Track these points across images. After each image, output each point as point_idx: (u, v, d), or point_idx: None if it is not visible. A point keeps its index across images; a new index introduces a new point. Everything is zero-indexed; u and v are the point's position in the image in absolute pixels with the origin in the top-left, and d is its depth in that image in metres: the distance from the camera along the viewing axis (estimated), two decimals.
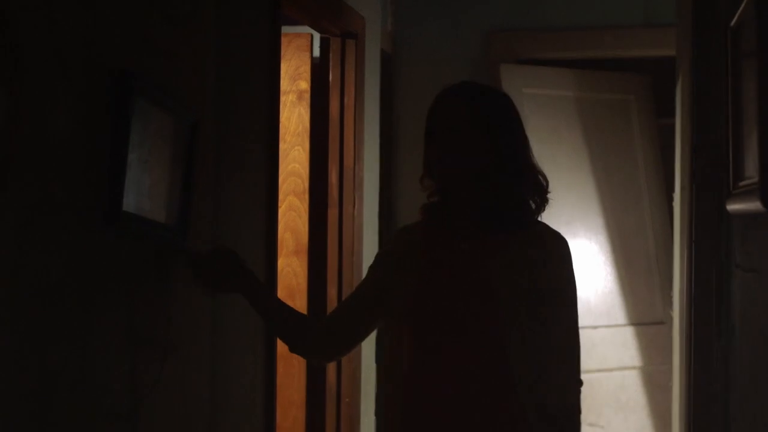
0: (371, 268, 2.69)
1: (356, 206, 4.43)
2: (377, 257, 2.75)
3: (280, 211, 4.16)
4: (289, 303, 4.51)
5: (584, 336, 4.94)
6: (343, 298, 2.81)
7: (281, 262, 4.27)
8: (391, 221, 5.41)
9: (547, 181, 2.56)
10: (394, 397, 2.57)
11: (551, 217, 5.19)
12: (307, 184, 4.47)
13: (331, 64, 4.34)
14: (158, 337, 2.56)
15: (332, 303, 4.34)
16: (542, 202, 2.56)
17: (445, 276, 2.54)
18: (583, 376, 5.39)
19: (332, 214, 4.37)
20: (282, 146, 4.15)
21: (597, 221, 5.20)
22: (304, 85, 4.45)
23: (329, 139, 4.35)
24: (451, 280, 2.52)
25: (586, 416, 4.94)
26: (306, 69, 4.43)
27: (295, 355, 3.12)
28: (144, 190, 2.40)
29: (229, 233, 3.00)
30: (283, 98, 4.14)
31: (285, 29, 3.85)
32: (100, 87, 2.26)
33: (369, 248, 4.55)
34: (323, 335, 2.69)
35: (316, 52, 4.42)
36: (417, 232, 2.64)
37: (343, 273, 4.40)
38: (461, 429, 2.45)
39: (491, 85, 2.59)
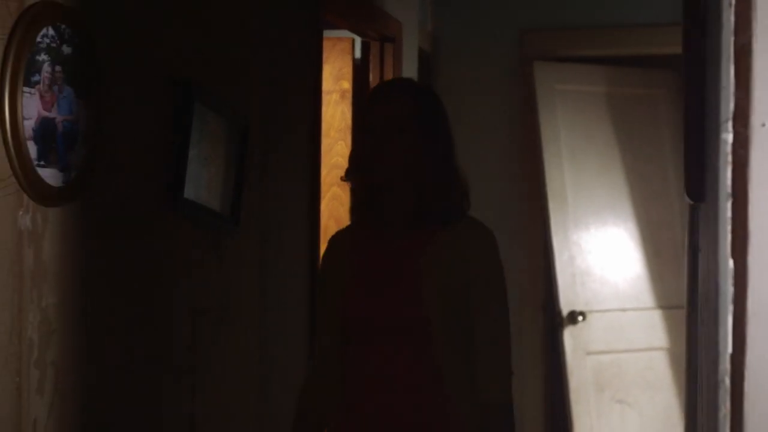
0: (317, 288, 2.65)
1: None
2: (317, 276, 2.67)
3: (325, 200, 4.31)
4: None
5: (613, 318, 5.18)
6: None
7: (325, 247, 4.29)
8: None
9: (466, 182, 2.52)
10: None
11: (581, 207, 5.33)
12: None
13: (371, 65, 4.45)
14: (214, 306, 2.86)
15: None
16: (466, 201, 2.51)
17: (373, 274, 2.46)
18: (612, 356, 5.36)
19: None
20: (326, 141, 4.23)
21: (626, 210, 5.32)
22: (347, 84, 4.53)
23: None
24: (379, 277, 2.45)
25: (615, 393, 5.16)
26: (348, 70, 4.52)
27: None
28: (202, 183, 2.72)
29: (276, 220, 3.27)
30: (327, 97, 4.26)
31: (329, 33, 4.06)
32: (167, 95, 2.56)
33: None
34: (321, 369, 2.57)
35: (358, 54, 4.55)
36: (347, 235, 2.61)
37: None
38: (392, 423, 2.40)
39: (426, 84, 2.50)
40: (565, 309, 5.08)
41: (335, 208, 4.54)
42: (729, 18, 1.27)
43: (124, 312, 2.41)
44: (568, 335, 5.08)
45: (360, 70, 4.53)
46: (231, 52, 2.98)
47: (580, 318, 5.07)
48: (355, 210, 2.57)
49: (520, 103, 5.30)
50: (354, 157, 2.51)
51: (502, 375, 2.44)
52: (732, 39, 1.27)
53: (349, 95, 4.54)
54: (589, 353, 5.13)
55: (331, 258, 2.58)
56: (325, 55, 3.89)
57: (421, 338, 2.39)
